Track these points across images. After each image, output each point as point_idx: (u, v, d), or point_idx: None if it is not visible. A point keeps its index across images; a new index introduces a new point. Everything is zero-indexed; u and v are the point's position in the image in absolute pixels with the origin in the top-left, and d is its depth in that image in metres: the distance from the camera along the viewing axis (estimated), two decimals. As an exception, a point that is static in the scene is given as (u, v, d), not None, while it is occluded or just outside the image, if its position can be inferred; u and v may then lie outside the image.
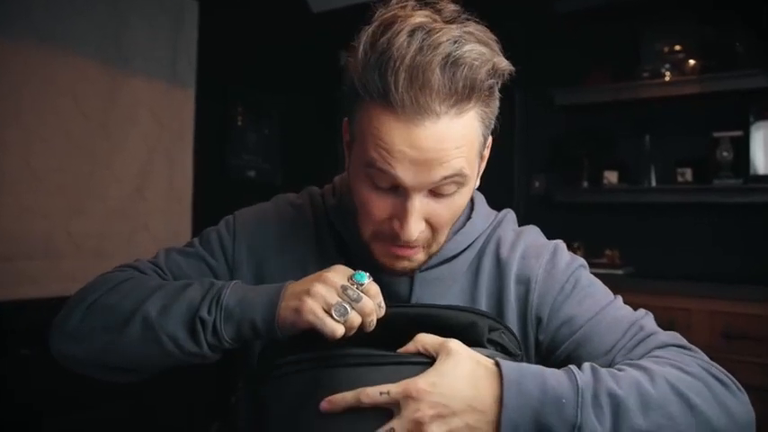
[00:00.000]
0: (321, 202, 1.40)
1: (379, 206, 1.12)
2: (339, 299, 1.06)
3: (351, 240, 1.30)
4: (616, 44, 4.39)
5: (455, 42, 1.02)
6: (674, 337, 1.19)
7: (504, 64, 1.09)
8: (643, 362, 1.08)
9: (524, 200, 4.80)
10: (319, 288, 1.07)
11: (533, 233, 1.37)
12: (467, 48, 1.02)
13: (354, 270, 1.11)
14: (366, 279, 1.09)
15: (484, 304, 1.28)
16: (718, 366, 1.11)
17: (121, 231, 3.69)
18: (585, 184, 4.47)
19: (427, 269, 1.27)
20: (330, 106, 4.81)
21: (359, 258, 1.27)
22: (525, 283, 1.27)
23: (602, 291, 1.29)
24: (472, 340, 1.09)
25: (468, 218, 1.33)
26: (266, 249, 1.35)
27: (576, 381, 0.99)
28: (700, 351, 1.16)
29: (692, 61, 4.10)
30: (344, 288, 1.07)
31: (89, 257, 3.50)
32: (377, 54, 1.03)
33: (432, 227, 1.15)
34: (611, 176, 4.37)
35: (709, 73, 4.00)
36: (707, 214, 4.13)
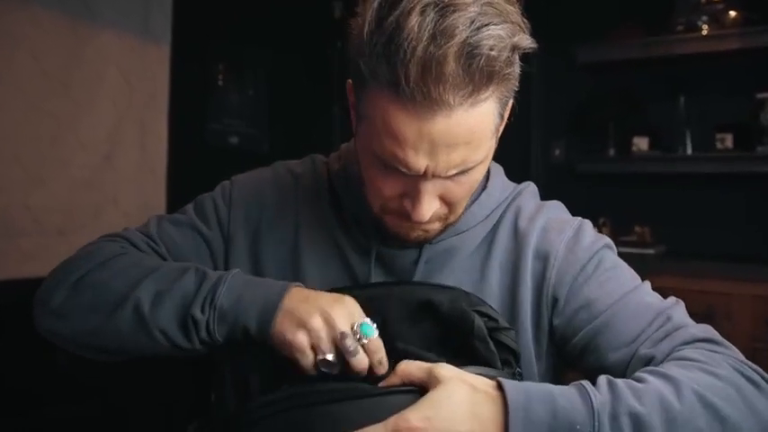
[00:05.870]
0: (325, 170, 1.43)
1: (390, 184, 1.16)
2: (333, 348, 1.09)
3: (352, 210, 1.33)
4: (647, -7, 4.37)
5: (471, 24, 1.01)
6: (706, 330, 1.19)
7: (527, 42, 1.10)
8: (669, 369, 1.07)
9: (543, 170, 4.80)
10: (317, 324, 1.10)
11: (557, 208, 1.39)
12: (485, 33, 1.02)
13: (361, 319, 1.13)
14: (373, 333, 1.10)
15: (496, 280, 1.30)
16: (750, 364, 1.12)
17: (87, 205, 3.68)
18: (612, 152, 4.47)
19: (436, 242, 1.30)
20: (323, 63, 4.79)
21: (359, 229, 1.32)
22: (544, 259, 1.29)
23: (627, 274, 1.30)
24: (457, 310, 1.13)
25: (484, 188, 1.35)
26: (261, 219, 1.40)
27: (591, 402, 0.98)
28: (732, 347, 1.17)
29: (732, 13, 4.06)
30: (343, 336, 1.09)
31: (51, 234, 3.49)
32: (384, 37, 1.03)
33: (447, 203, 1.19)
34: (642, 143, 4.35)
35: (751, 26, 3.97)
36: (749, 186, 4.13)
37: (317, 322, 1.10)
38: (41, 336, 1.30)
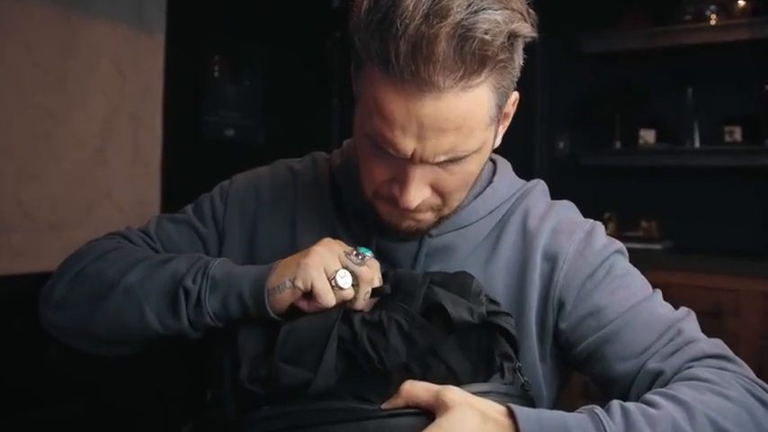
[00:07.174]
0: (327, 166, 1.44)
1: (380, 167, 1.16)
2: (340, 263, 1.14)
3: (353, 204, 1.34)
4: (654, -19, 4.36)
5: (468, 6, 1.01)
6: (716, 345, 1.19)
7: (526, 30, 1.10)
8: (681, 391, 1.06)
9: (546, 163, 4.79)
10: (321, 249, 1.16)
11: (568, 208, 1.38)
12: (480, 16, 1.02)
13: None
14: (371, 252, 1.18)
15: (501, 277, 1.29)
16: (760, 383, 1.13)
17: (80, 200, 3.67)
18: (618, 144, 4.47)
19: (437, 235, 1.29)
20: (321, 53, 4.78)
21: (359, 224, 1.33)
22: (552, 261, 1.28)
23: (639, 282, 1.29)
24: (456, 276, 1.16)
25: (490, 183, 1.34)
26: (257, 214, 1.43)
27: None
28: (743, 364, 1.17)
29: (741, 2, 4.07)
30: (348, 253, 1.15)
31: (43, 230, 3.47)
32: (380, 14, 1.04)
33: (439, 193, 1.18)
34: (648, 136, 4.36)
35: (761, 16, 3.98)
36: (758, 179, 4.13)
37: (320, 249, 1.16)
38: (36, 332, 1.33)
